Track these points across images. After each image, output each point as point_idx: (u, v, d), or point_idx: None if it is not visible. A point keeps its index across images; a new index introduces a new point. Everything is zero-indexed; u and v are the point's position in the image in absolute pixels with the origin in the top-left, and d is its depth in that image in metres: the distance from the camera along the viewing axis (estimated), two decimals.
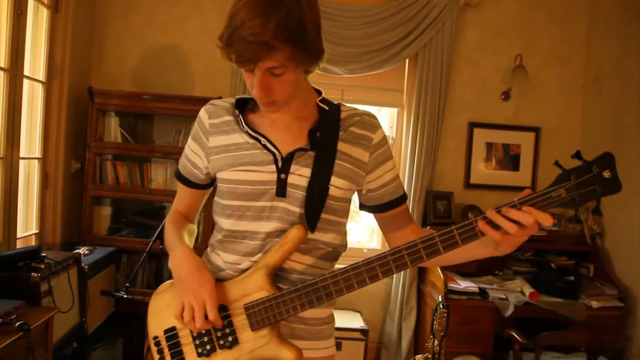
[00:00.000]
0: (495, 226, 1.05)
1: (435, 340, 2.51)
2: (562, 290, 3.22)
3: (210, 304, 1.16)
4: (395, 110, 3.88)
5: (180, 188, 1.42)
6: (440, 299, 2.66)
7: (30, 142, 2.99)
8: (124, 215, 3.51)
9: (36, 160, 3.04)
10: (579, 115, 3.85)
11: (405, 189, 3.66)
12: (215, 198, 1.30)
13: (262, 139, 1.21)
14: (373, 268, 1.12)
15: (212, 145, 1.28)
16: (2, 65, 2.58)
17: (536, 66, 3.76)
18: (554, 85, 3.85)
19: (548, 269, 3.36)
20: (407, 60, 3.73)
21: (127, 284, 2.61)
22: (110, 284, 3.10)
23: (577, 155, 1.05)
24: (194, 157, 1.34)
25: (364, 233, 4.04)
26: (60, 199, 3.15)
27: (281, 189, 1.20)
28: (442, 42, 3.59)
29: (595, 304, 3.15)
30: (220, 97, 3.48)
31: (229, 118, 1.28)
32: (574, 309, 3.10)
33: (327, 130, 1.23)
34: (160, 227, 2.72)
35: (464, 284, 3.19)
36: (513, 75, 3.67)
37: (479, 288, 3.20)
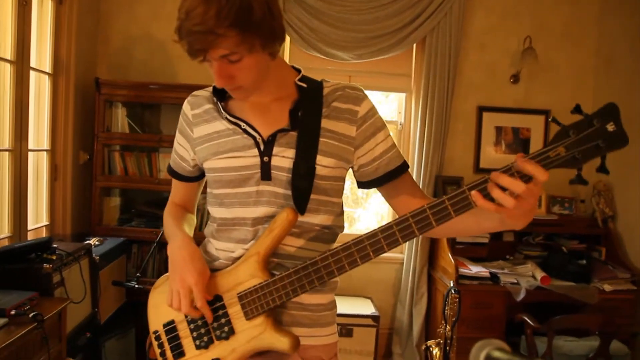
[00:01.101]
0: (488, 196, 0.97)
1: (447, 326, 2.51)
2: (573, 274, 3.20)
3: (197, 290, 1.15)
4: (403, 95, 3.84)
5: (174, 182, 1.43)
6: (451, 284, 2.65)
7: (39, 134, 3.00)
8: (133, 205, 3.52)
9: (45, 152, 3.04)
10: (591, 97, 3.80)
11: (414, 174, 3.65)
12: (207, 189, 1.30)
13: (242, 124, 1.20)
14: (364, 247, 1.08)
15: (196, 136, 1.28)
16: (9, 57, 2.57)
17: (546, 48, 3.71)
18: (564, 67, 3.79)
19: (559, 253, 3.34)
20: (414, 45, 3.69)
21: (138, 274, 2.63)
22: (122, 274, 3.11)
23: (577, 109, 0.94)
24: (182, 150, 1.34)
25: (372, 220, 4.03)
26: (70, 191, 3.17)
27: (265, 173, 1.18)
28: (449, 26, 3.55)
29: (607, 287, 3.13)
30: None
31: (209, 106, 1.27)
32: (586, 292, 3.08)
33: (308, 108, 1.20)
34: None
35: (475, 269, 3.18)
36: (522, 57, 3.62)
37: (490, 273, 3.18)
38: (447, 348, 2.50)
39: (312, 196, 1.19)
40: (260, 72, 1.13)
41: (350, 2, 3.50)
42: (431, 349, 2.52)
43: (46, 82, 3.01)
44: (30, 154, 2.79)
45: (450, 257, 3.23)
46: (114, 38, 3.59)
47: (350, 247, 1.09)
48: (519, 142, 3.80)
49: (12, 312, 1.78)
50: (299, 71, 1.26)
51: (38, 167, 3.01)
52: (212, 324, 1.21)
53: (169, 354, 1.26)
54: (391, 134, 1.27)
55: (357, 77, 3.68)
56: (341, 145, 1.20)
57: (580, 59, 3.79)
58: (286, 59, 3.63)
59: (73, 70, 3.12)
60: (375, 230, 1.08)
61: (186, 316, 1.24)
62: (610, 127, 0.91)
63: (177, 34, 1.06)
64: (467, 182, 3.67)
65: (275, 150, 1.18)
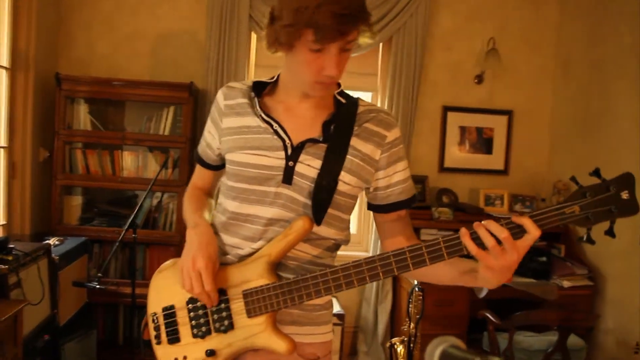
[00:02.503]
0: (477, 240, 1.01)
1: (411, 323, 2.54)
2: (534, 271, 3.28)
3: (206, 275, 1.17)
4: (369, 94, 3.87)
5: (198, 168, 1.45)
6: (415, 282, 2.68)
7: None
8: (96, 204, 3.45)
9: (1, 150, 2.95)
10: (550, 99, 3.90)
11: None
12: (223, 179, 1.33)
13: (274, 124, 1.21)
14: (375, 267, 1.11)
15: (225, 126, 1.29)
16: None
17: (509, 50, 3.79)
18: (525, 68, 3.88)
19: None
20: (381, 44, 3.72)
21: (99, 274, 2.58)
22: (82, 274, 3.04)
23: (596, 172, 0.99)
24: (210, 137, 1.36)
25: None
26: (29, 189, 3.08)
27: (288, 176, 1.20)
28: (415, 26, 3.59)
29: (566, 283, 3.22)
30: (191, 82, 3.41)
31: (244, 101, 1.28)
32: (546, 289, 3.16)
33: (341, 123, 1.23)
34: (133, 216, 2.69)
35: None
36: (486, 58, 3.69)
37: None
38: (411, 345, 2.53)
39: (329, 210, 1.22)
40: None
41: None
42: (395, 346, 2.54)
43: (3, 76, 2.92)
44: None
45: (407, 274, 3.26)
46: (75, 32, 3.49)
47: (361, 265, 1.12)
48: (482, 142, 3.87)
49: None
50: (338, 85, 1.29)
51: None
52: (213, 315, 1.22)
53: (163, 337, 1.28)
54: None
55: None
56: (365, 166, 1.23)
57: (540, 61, 3.89)
58: (252, 57, 3.61)
59: (32, 64, 3.03)
60: (387, 253, 1.11)
61: (187, 303, 1.25)
62: (625, 195, 0.97)
63: (298, 20, 1.05)
64: (431, 180, 3.74)
65: (302, 157, 1.20)
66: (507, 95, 3.87)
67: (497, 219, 1.00)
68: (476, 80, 3.83)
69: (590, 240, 1.01)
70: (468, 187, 3.86)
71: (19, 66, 2.97)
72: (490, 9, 3.80)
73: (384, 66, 3.74)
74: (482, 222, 1.01)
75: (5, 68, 2.91)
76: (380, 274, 1.10)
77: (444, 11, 3.77)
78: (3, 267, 2.05)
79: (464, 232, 1.02)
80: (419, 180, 3.71)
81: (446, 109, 3.82)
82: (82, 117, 3.30)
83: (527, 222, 0.98)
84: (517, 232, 0.99)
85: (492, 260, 1.00)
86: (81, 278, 2.96)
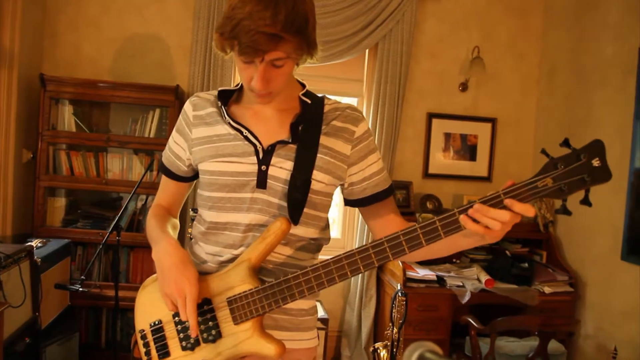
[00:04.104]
0: (477, 221, 1.02)
1: (394, 328, 2.55)
2: (516, 277, 3.32)
3: (190, 299, 1.15)
4: (355, 100, 3.89)
5: (164, 180, 1.42)
6: (399, 287, 2.70)
7: None
8: (79, 206, 3.42)
9: None
10: (534, 107, 3.96)
11: None
12: (198, 190, 1.31)
13: (244, 131, 1.22)
14: (355, 261, 1.10)
15: (194, 136, 1.28)
16: None
17: (493, 58, 3.84)
18: (510, 77, 3.93)
19: (503, 257, 3.46)
20: (367, 51, 3.74)
21: (82, 277, 2.56)
22: (65, 277, 3.02)
23: (565, 143, 0.99)
24: (178, 148, 1.34)
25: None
26: (11, 190, 3.04)
27: (261, 181, 1.20)
28: (401, 33, 3.62)
29: (547, 289, 3.27)
30: (177, 85, 3.40)
31: (212, 110, 1.28)
32: (527, 294, 3.20)
33: (309, 123, 1.23)
34: (117, 219, 2.67)
35: (422, 272, 3.25)
36: (471, 66, 3.73)
37: (437, 276, 3.26)
38: (394, 350, 2.54)
39: (305, 209, 1.22)
40: (289, 80, 1.20)
41: None
42: (379, 351, 2.56)
43: None
44: None
45: (398, 260, 3.28)
46: (61, 32, 3.47)
47: (341, 260, 1.11)
48: (466, 149, 3.91)
49: None
50: (303, 85, 1.30)
51: None
52: (200, 326, 1.21)
53: (154, 353, 1.27)
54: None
55: (309, 81, 3.61)
56: (336, 163, 1.24)
57: (525, 70, 3.94)
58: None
59: (17, 64, 3.00)
60: (366, 245, 1.10)
61: (174, 317, 1.25)
62: (596, 163, 0.97)
63: (225, 32, 1.06)
64: (415, 186, 3.77)
65: (274, 160, 1.20)
66: (492, 103, 3.92)
67: (494, 204, 1.00)
68: (461, 88, 3.87)
69: (567, 211, 1.00)
70: (452, 193, 3.90)
71: (2, 65, 2.94)
72: (475, 18, 3.85)
73: (370, 72, 3.77)
74: (478, 207, 1.01)
75: None
76: (375, 261, 1.09)
77: (430, 19, 3.81)
78: None
79: (465, 219, 1.02)
80: (403, 186, 3.74)
81: (431, 116, 3.86)
82: (67, 118, 3.28)
83: (523, 209, 0.99)
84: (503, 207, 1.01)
85: (497, 232, 1.02)
86: (64, 280, 2.93)
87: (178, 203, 1.45)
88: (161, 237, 1.27)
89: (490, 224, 1.01)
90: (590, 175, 0.97)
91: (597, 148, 0.98)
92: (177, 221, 1.44)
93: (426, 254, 1.18)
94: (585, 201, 0.98)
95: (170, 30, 3.54)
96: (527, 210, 0.99)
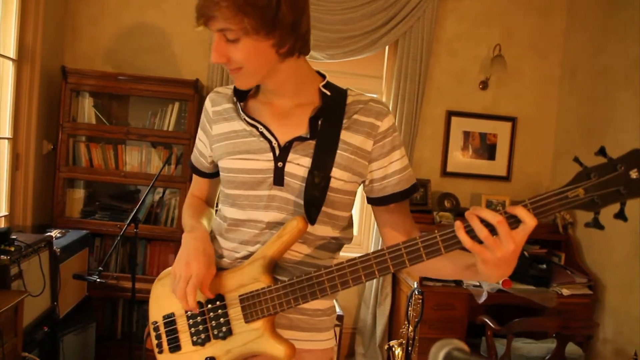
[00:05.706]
0: (471, 233, 0.95)
1: (410, 326, 2.54)
2: (534, 278, 3.28)
3: (195, 281, 1.13)
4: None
5: (194, 177, 1.43)
6: (415, 286, 2.68)
7: (0, 121, 2.91)
8: (98, 198, 3.45)
9: (6, 141, 2.95)
10: (555, 106, 3.90)
11: None
12: (220, 186, 1.31)
13: (260, 127, 1.18)
14: (370, 265, 1.06)
15: (214, 133, 1.27)
16: None
17: (514, 57, 3.79)
18: (531, 76, 3.88)
19: (521, 257, 3.41)
20: (387, 47, 3.72)
21: (100, 268, 2.58)
22: (83, 267, 3.05)
23: (602, 151, 0.90)
24: (201, 145, 1.35)
25: None
26: (32, 181, 3.08)
27: (278, 178, 1.16)
28: (422, 30, 3.59)
29: (565, 291, 3.22)
30: (197, 79, 3.41)
31: (229, 105, 1.26)
32: (545, 296, 3.16)
33: (329, 117, 1.17)
34: (135, 211, 2.69)
35: None
36: (492, 65, 3.69)
37: None
38: (409, 348, 2.53)
39: (323, 208, 1.17)
40: (262, 62, 1.11)
41: (324, 2, 3.50)
42: (393, 349, 2.54)
43: (10, 68, 2.92)
44: None
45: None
46: (82, 26, 3.50)
47: (356, 264, 1.07)
48: (485, 148, 3.87)
49: None
50: (323, 77, 1.25)
51: None
52: (211, 322, 1.20)
53: (165, 345, 1.27)
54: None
55: (329, 77, 3.66)
56: (357, 160, 1.18)
57: (546, 69, 3.89)
58: None
59: (39, 57, 3.03)
60: (383, 250, 1.06)
61: (186, 311, 1.24)
62: (634, 174, 0.88)
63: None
64: (433, 184, 3.74)
65: (291, 157, 1.16)
66: (512, 101, 3.88)
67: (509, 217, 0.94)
68: (481, 86, 3.83)
69: (599, 225, 0.92)
70: (470, 192, 3.86)
71: (25, 58, 2.98)
72: (497, 16, 3.80)
73: (389, 69, 3.75)
74: (474, 210, 0.95)
75: (12, 60, 2.91)
76: (376, 272, 1.05)
77: (451, 16, 3.77)
78: (5, 258, 2.06)
79: (458, 226, 0.96)
80: (421, 184, 3.71)
81: (450, 114, 3.82)
82: (87, 110, 3.30)
83: (521, 212, 0.93)
84: (512, 222, 0.93)
85: (488, 254, 0.95)
86: (82, 271, 2.97)
87: (211, 197, 1.45)
88: (194, 226, 1.28)
89: (478, 229, 0.93)
90: (627, 187, 0.88)
91: (636, 158, 0.88)
92: (212, 211, 1.44)
93: (430, 272, 1.19)
94: (620, 215, 0.90)
95: (189, 23, 3.53)
96: (526, 215, 0.93)
